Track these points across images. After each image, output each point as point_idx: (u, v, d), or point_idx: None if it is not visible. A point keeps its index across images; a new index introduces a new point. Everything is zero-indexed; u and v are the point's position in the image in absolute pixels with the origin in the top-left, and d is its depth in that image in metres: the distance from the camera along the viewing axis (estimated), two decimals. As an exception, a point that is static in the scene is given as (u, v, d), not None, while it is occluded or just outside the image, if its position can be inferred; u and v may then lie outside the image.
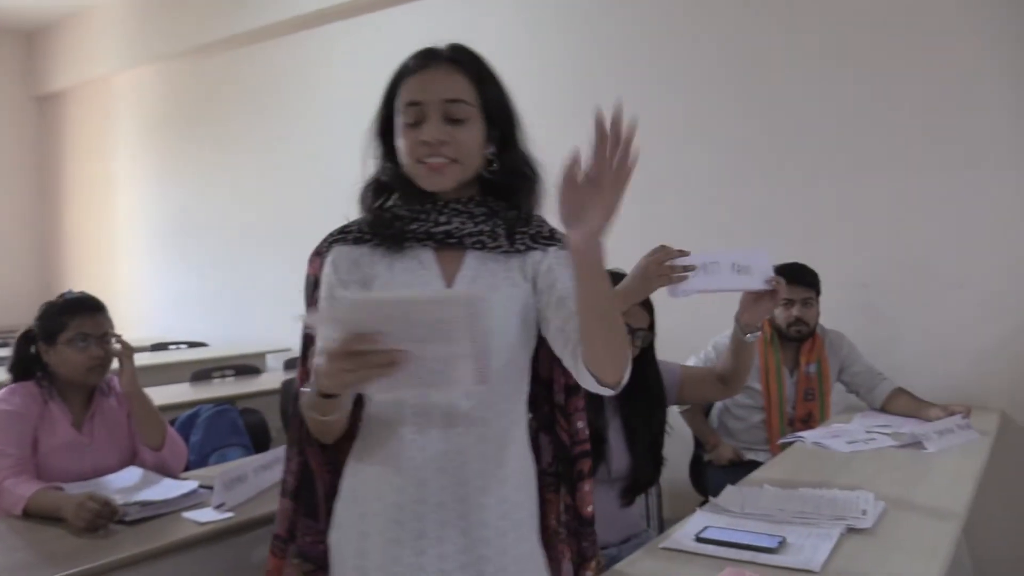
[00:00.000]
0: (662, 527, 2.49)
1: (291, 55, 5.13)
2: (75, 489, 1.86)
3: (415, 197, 1.21)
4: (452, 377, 0.97)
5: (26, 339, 2.11)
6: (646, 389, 2.01)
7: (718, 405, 2.99)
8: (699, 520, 1.66)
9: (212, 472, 2.13)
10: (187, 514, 1.81)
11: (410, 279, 1.18)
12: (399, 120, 1.18)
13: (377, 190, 1.23)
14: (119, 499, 1.79)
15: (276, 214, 5.19)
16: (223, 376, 3.91)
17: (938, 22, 3.04)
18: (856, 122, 3.20)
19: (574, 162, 0.95)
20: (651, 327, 1.98)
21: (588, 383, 1.09)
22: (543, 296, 1.17)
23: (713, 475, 2.85)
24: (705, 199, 3.54)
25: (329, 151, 4.17)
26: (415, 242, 1.19)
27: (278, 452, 1.92)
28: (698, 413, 2.97)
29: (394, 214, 1.21)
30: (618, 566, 1.47)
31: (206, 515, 1.81)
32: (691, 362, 2.84)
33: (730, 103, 3.48)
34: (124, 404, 2.16)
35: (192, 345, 5.11)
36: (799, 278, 2.76)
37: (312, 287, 1.25)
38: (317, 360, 1.05)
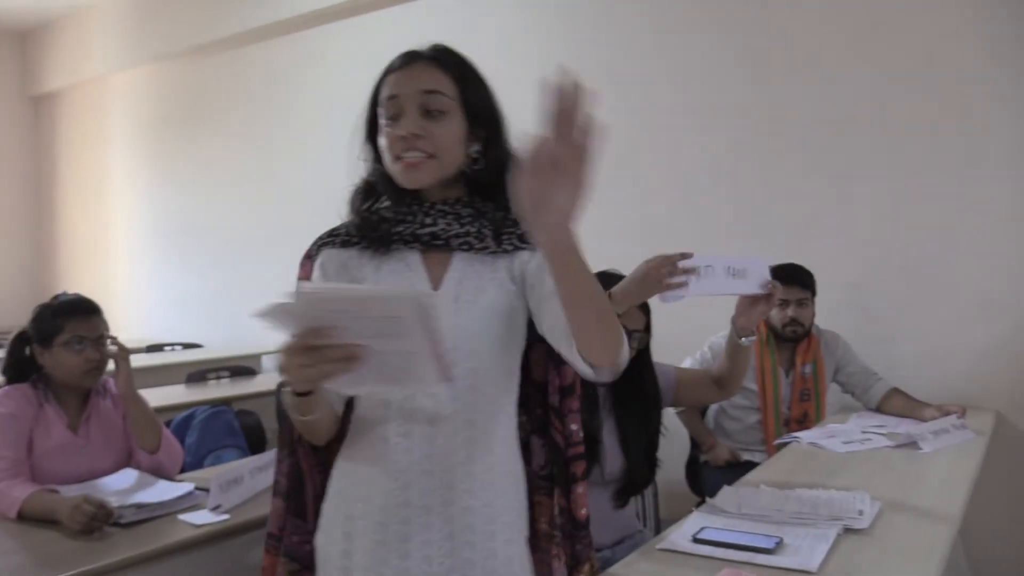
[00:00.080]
0: (659, 528, 2.49)
1: (288, 55, 5.12)
2: (70, 491, 1.86)
3: (402, 198, 1.21)
4: (415, 374, 0.96)
5: (21, 341, 2.10)
6: (641, 391, 2.00)
7: (714, 406, 2.99)
8: (696, 521, 1.66)
9: (208, 474, 2.13)
10: (183, 516, 1.81)
11: (397, 281, 1.17)
12: (381, 119, 1.19)
13: (366, 193, 1.24)
14: (115, 501, 1.79)
15: (271, 215, 5.18)
16: (218, 378, 3.90)
17: (934, 23, 3.05)
18: (852, 122, 3.21)
19: (540, 146, 0.83)
20: (647, 328, 1.98)
21: (586, 372, 1.09)
22: (533, 293, 1.16)
23: (709, 476, 2.85)
24: (700, 199, 3.55)
25: (325, 152, 4.17)
26: (402, 244, 1.19)
27: (274, 454, 1.92)
28: (694, 414, 2.97)
29: (381, 216, 1.21)
30: (615, 567, 1.47)
31: (202, 517, 1.80)
32: (687, 363, 2.84)
33: (725, 104, 3.49)
34: (120, 406, 2.15)
35: (187, 346, 5.10)
36: (794, 279, 2.77)
37: None
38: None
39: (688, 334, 2.77)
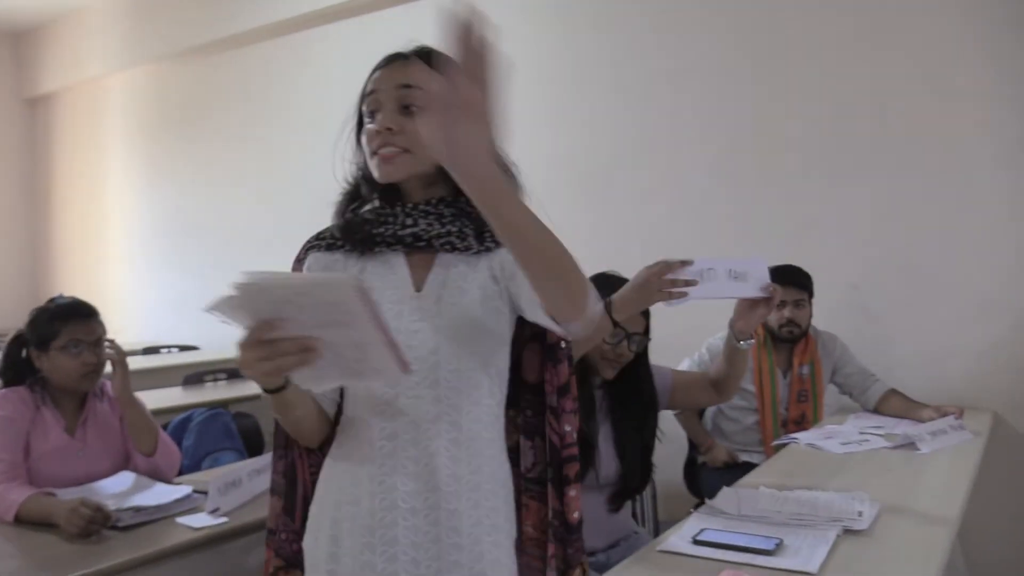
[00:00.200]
0: (657, 529, 2.49)
1: (286, 56, 5.11)
2: (68, 495, 1.85)
3: (388, 200, 1.21)
4: (373, 365, 0.96)
5: (17, 343, 2.10)
6: (639, 394, 2.00)
7: (712, 407, 2.99)
8: (696, 522, 1.66)
9: (206, 477, 2.12)
10: (181, 519, 1.80)
11: (380, 284, 1.17)
12: (365, 117, 1.20)
13: (352, 196, 1.25)
14: (112, 504, 1.78)
15: (268, 216, 5.17)
16: (215, 380, 3.89)
17: (934, 23, 3.05)
18: (852, 122, 3.21)
19: (443, 83, 0.80)
20: (646, 331, 1.97)
21: (556, 329, 1.08)
22: (512, 283, 1.15)
23: (708, 477, 2.85)
24: (697, 201, 3.55)
25: (322, 153, 4.14)
26: (385, 246, 1.19)
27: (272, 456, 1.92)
28: (692, 415, 2.97)
29: (363, 218, 1.21)
30: (615, 569, 1.46)
31: (200, 520, 1.80)
32: (684, 365, 2.85)
33: (725, 104, 3.49)
34: (117, 408, 2.14)
35: (184, 349, 5.09)
36: (791, 279, 2.77)
37: None
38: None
39: (685, 335, 2.76)
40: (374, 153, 1.16)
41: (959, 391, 2.95)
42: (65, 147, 6.75)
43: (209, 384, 3.85)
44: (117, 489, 1.98)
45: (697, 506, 2.27)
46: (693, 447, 3.02)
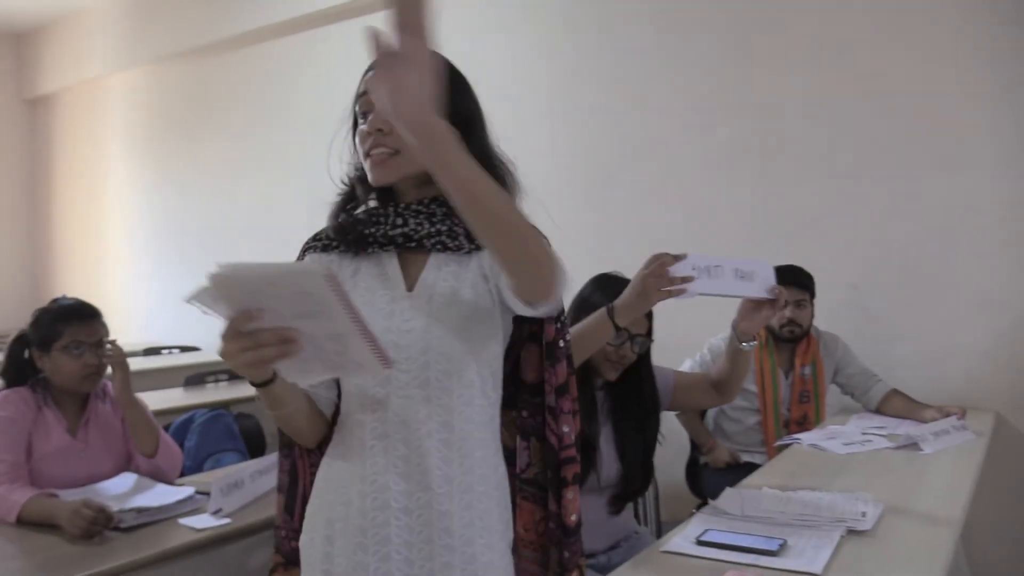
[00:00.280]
0: (659, 530, 2.49)
1: (286, 57, 5.11)
2: (70, 496, 1.85)
3: (382, 200, 1.22)
4: (354, 358, 0.96)
5: (20, 344, 2.09)
6: (640, 396, 1.99)
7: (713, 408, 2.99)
8: (699, 523, 1.66)
9: (208, 478, 2.12)
10: (183, 520, 1.80)
11: (373, 284, 1.17)
12: (359, 119, 1.19)
13: (348, 197, 1.25)
14: (114, 505, 1.77)
15: (268, 217, 5.17)
16: (217, 381, 3.88)
17: (934, 23, 3.05)
18: (850, 123, 3.21)
19: (382, 40, 0.84)
20: (649, 333, 1.96)
21: (525, 311, 1.09)
22: (500, 279, 1.14)
23: (710, 477, 2.85)
24: (698, 201, 3.55)
25: (322, 154, 4.15)
26: (378, 247, 1.19)
27: (274, 457, 1.90)
28: (694, 415, 2.97)
29: (356, 219, 1.21)
30: (619, 570, 1.46)
31: (203, 521, 1.80)
32: (686, 365, 2.84)
33: (725, 103, 3.49)
34: (119, 409, 2.14)
35: (185, 349, 5.08)
36: (793, 279, 2.77)
37: None
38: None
39: (687, 335, 2.76)
40: (367, 155, 1.16)
41: (960, 391, 2.95)
42: (65, 147, 6.75)
43: (210, 385, 3.84)
44: (119, 490, 1.98)
45: (699, 507, 2.27)
46: (695, 448, 3.02)
